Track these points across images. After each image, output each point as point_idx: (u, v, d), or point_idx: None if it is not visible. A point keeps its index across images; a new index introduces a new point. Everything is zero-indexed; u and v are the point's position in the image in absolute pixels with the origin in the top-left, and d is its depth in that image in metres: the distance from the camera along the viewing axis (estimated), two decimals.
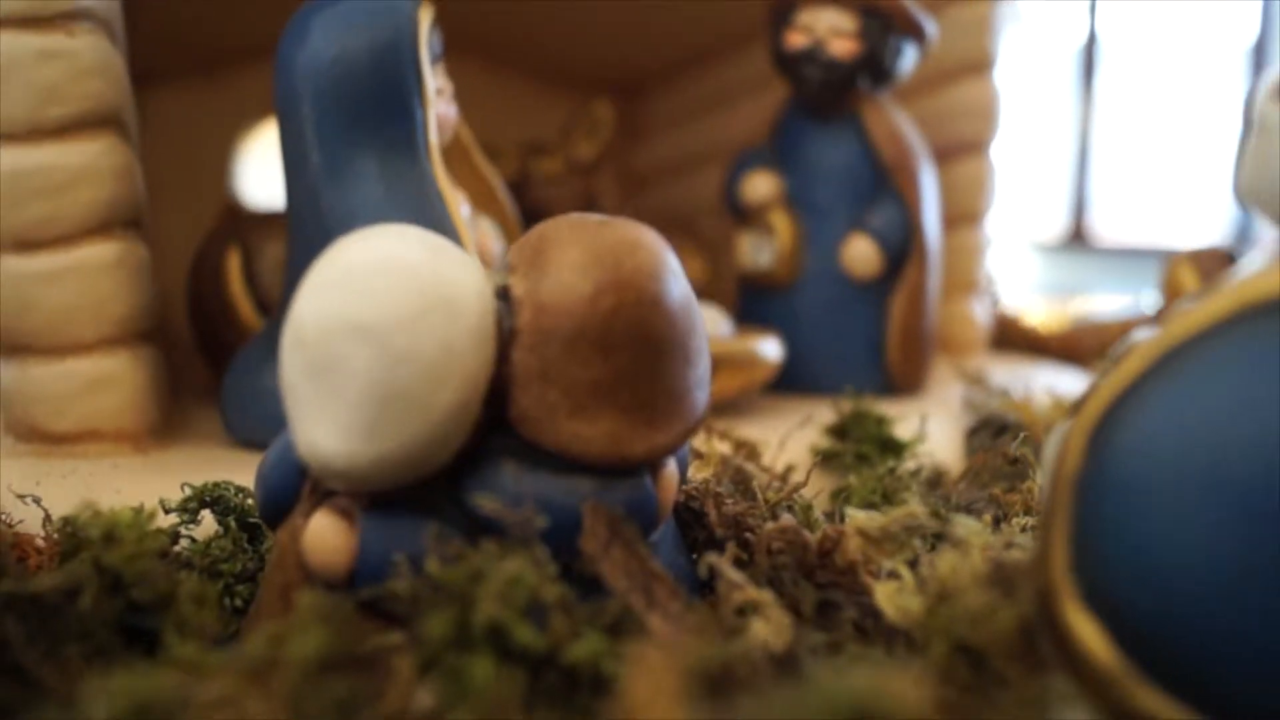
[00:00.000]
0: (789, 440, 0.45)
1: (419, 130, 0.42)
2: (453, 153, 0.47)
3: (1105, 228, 2.91)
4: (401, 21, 0.42)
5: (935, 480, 0.45)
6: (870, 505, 0.40)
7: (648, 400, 0.27)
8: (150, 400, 0.44)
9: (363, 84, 0.41)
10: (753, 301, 0.59)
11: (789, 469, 0.44)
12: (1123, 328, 0.72)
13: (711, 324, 0.51)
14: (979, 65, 0.67)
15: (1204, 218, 2.62)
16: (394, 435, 0.26)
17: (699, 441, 0.42)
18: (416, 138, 0.42)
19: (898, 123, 0.56)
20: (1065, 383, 0.64)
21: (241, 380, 0.46)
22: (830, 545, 0.29)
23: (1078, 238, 2.97)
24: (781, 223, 0.57)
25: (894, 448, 0.46)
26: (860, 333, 0.57)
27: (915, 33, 0.55)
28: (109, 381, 0.43)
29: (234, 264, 0.52)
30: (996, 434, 0.51)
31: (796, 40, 0.55)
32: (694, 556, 0.32)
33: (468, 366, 0.26)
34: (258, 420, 0.44)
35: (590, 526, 0.27)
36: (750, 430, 0.49)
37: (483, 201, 0.48)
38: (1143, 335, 0.26)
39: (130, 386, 0.43)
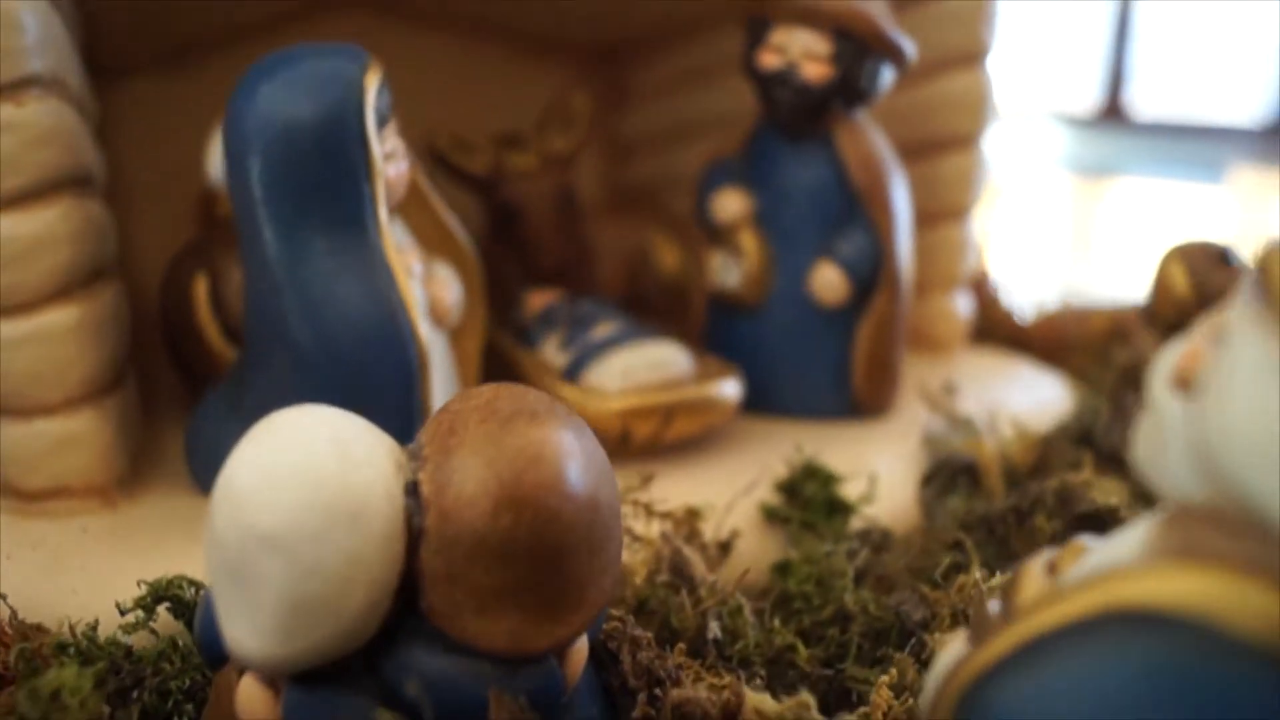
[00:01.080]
0: (735, 503, 0.46)
1: (366, 206, 0.42)
2: (408, 197, 0.47)
3: (1145, 102, 2.83)
4: (346, 94, 0.41)
5: (880, 545, 0.46)
6: (804, 595, 0.41)
7: (550, 599, 0.28)
8: (118, 452, 0.46)
9: (308, 164, 0.41)
10: (720, 319, 0.59)
11: (732, 537, 0.45)
12: (1107, 320, 0.72)
13: (671, 361, 0.51)
14: (970, 56, 0.65)
15: (1247, 92, 2.55)
16: (306, 637, 0.28)
17: (637, 522, 0.43)
18: (364, 213, 0.42)
19: (872, 145, 0.55)
20: (1039, 393, 0.64)
21: (204, 433, 0.47)
22: (730, 716, 0.31)
23: (1114, 112, 2.90)
24: (750, 244, 0.57)
25: (841, 509, 0.47)
26: (826, 357, 0.57)
27: (892, 55, 0.53)
28: (75, 441, 0.44)
29: (200, 290, 0.53)
30: (949, 480, 0.52)
31: (769, 60, 0.54)
32: (610, 699, 0.33)
33: (375, 573, 0.28)
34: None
35: (495, 713, 0.28)
36: (704, 472, 0.50)
37: (438, 243, 0.49)
38: (1032, 587, 0.27)
39: (97, 443, 0.45)
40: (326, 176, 0.41)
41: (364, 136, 0.41)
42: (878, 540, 0.47)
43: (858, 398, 0.57)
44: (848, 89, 0.54)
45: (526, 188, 0.65)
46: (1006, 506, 0.47)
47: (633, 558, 0.42)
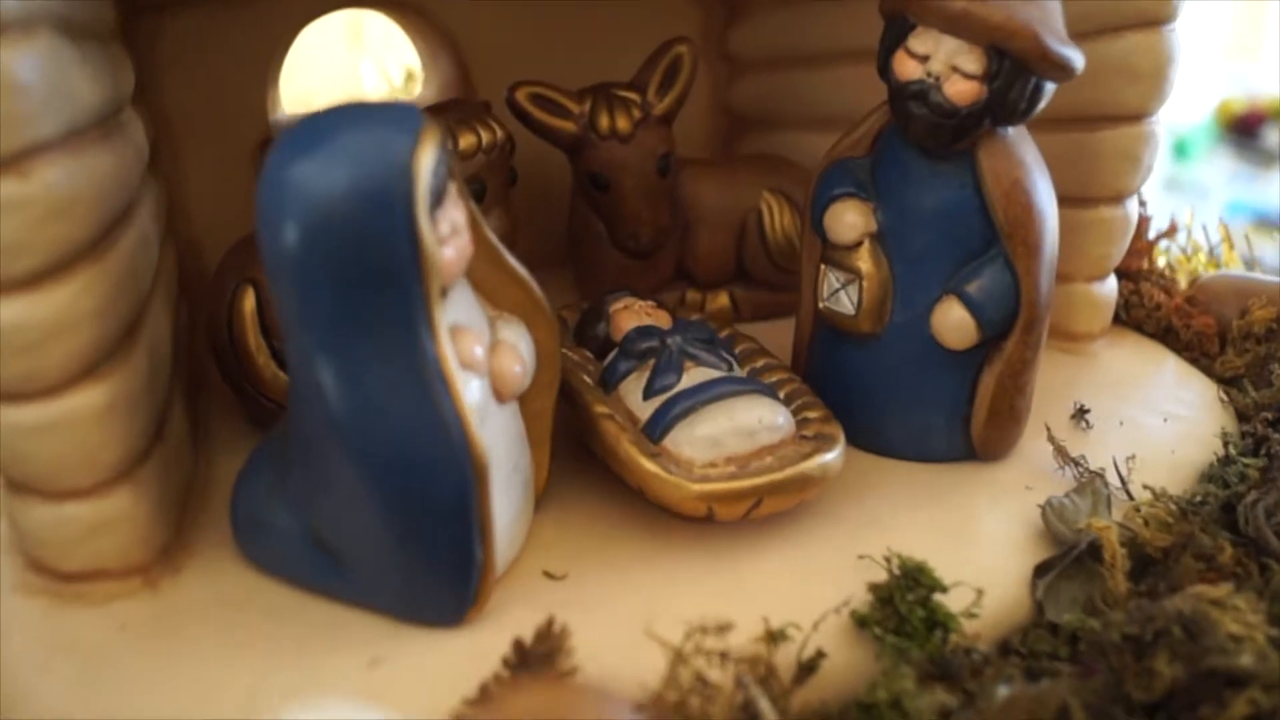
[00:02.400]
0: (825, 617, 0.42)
1: (416, 306, 0.36)
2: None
3: None
4: (392, 178, 0.35)
5: (977, 668, 0.42)
6: None
7: None
8: (157, 525, 0.43)
9: (350, 259, 0.35)
10: (827, 341, 0.53)
11: (816, 659, 0.40)
12: (1274, 306, 0.63)
13: (767, 424, 0.46)
14: (1152, 19, 0.55)
15: None
16: None
17: (711, 669, 0.39)
18: (414, 315, 0.36)
19: (1022, 171, 0.47)
20: (1183, 415, 0.57)
21: (249, 502, 0.43)
22: None
23: None
24: (869, 268, 0.49)
25: (941, 624, 0.42)
26: (944, 399, 0.51)
27: (1059, 73, 0.44)
28: (110, 524, 0.41)
29: (248, 308, 0.48)
30: (1068, 567, 0.46)
31: (908, 69, 0.46)
32: None
33: None
34: (267, 556, 0.43)
35: None
36: (797, 542, 0.45)
37: (508, 294, 0.43)
38: None
39: (133, 523, 0.42)
40: (371, 274, 0.36)
41: (413, 229, 0.35)
42: (977, 663, 0.42)
43: (975, 444, 0.51)
44: (999, 109, 0.45)
45: (619, 154, 0.58)
46: (1123, 635, 0.41)
47: (708, 708, 0.38)
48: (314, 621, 0.41)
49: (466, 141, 0.54)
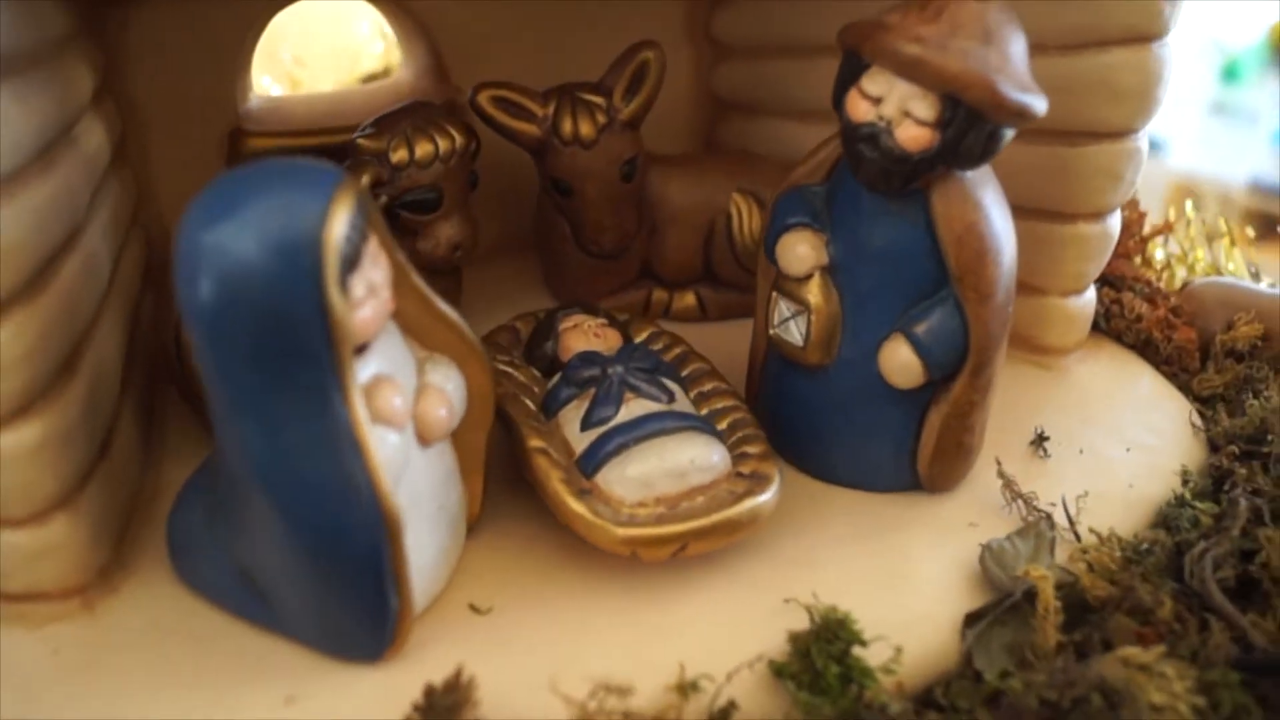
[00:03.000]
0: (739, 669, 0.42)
1: (327, 369, 0.36)
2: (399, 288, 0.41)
3: None
4: (300, 250, 0.35)
5: None
6: None
7: None
8: (96, 549, 0.44)
9: (259, 324, 0.35)
10: (778, 368, 0.52)
11: (727, 710, 0.41)
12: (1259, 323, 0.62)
13: (700, 465, 0.46)
14: (1141, 35, 0.53)
15: None
16: None
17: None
18: (324, 377, 0.36)
19: (976, 214, 0.45)
20: (1151, 440, 0.56)
21: (183, 530, 0.44)
22: None
23: None
24: (818, 300, 0.49)
25: (857, 679, 0.43)
26: (891, 433, 0.50)
27: (1016, 121, 0.43)
28: (47, 551, 0.42)
29: None
30: (1002, 615, 0.46)
31: (860, 110, 0.44)
32: None
33: None
34: (199, 582, 0.44)
35: None
36: (727, 581, 0.46)
37: (436, 333, 0.43)
38: None
39: (70, 550, 0.43)
40: (282, 339, 0.36)
41: (323, 299, 0.35)
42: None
43: (922, 478, 0.51)
44: (953, 155, 0.44)
45: (582, 161, 0.57)
46: (1041, 700, 0.41)
47: None
48: (239, 652, 0.42)
49: (423, 150, 0.53)
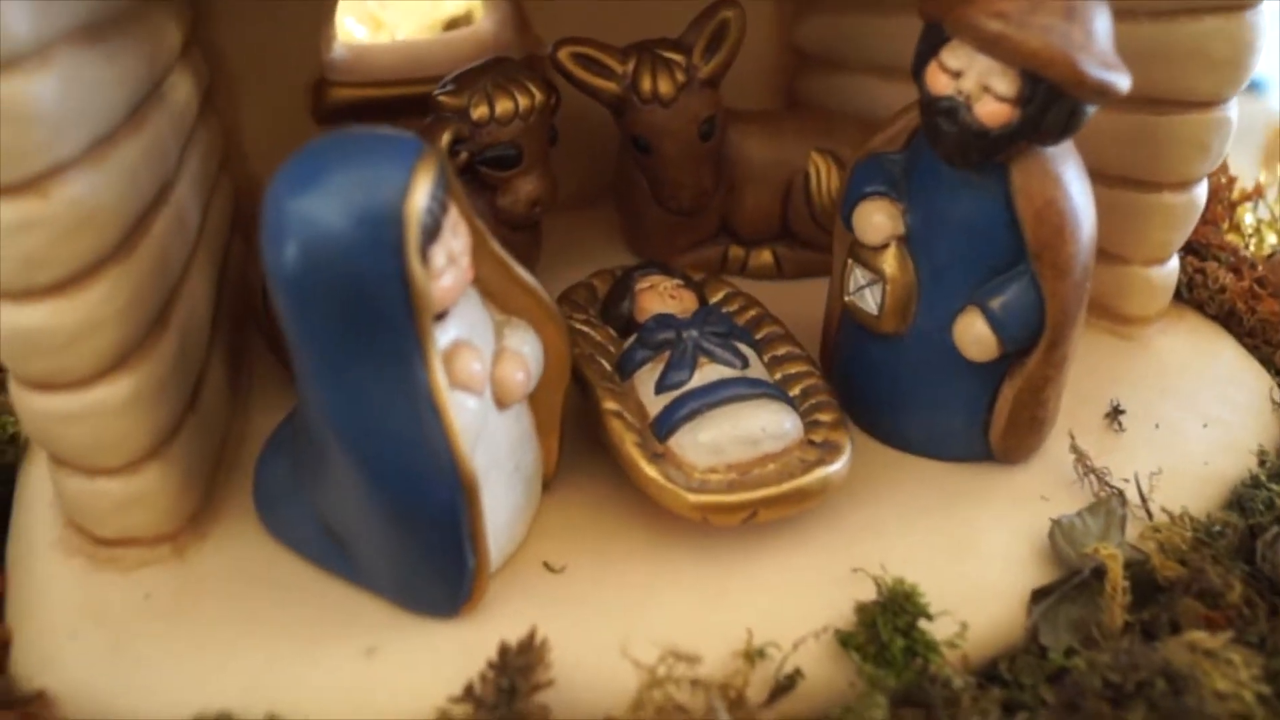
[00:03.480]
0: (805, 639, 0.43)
1: (409, 342, 0.37)
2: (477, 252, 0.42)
3: None
4: (382, 220, 0.36)
5: (954, 699, 0.43)
6: None
7: None
8: (186, 497, 0.46)
9: (342, 294, 0.37)
10: (853, 334, 0.52)
11: (792, 679, 0.42)
12: None
13: (771, 433, 0.46)
14: (1235, 3, 0.51)
15: None
16: None
17: (681, 691, 0.40)
18: (407, 349, 0.37)
19: (1055, 190, 0.45)
20: (1230, 414, 0.55)
21: (269, 482, 0.46)
22: None
23: None
24: (893, 269, 0.49)
25: (921, 652, 0.43)
26: (963, 404, 0.50)
27: (1098, 99, 0.42)
28: (140, 499, 0.44)
29: None
30: (1069, 592, 0.46)
31: (939, 83, 0.44)
32: None
33: None
34: (283, 532, 0.45)
35: None
36: (799, 546, 0.46)
37: (514, 297, 0.44)
38: None
39: (162, 498, 0.44)
40: (364, 306, 0.37)
41: (404, 272, 0.36)
42: (954, 694, 0.43)
43: (994, 449, 0.51)
44: (1033, 131, 0.43)
45: (660, 119, 0.57)
46: (1105, 681, 0.42)
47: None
48: (321, 603, 0.44)
49: (503, 107, 0.53)
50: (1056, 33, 0.41)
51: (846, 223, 0.50)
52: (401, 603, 0.43)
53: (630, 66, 0.57)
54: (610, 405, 0.47)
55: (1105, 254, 0.56)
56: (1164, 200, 0.57)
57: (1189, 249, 0.64)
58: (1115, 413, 0.55)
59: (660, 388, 0.48)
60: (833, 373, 0.54)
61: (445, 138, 0.53)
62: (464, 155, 0.53)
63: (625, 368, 0.50)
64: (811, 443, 0.47)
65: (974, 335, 0.47)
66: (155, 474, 0.44)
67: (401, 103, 0.62)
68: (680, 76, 0.57)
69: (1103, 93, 0.41)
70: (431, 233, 0.37)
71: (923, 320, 0.49)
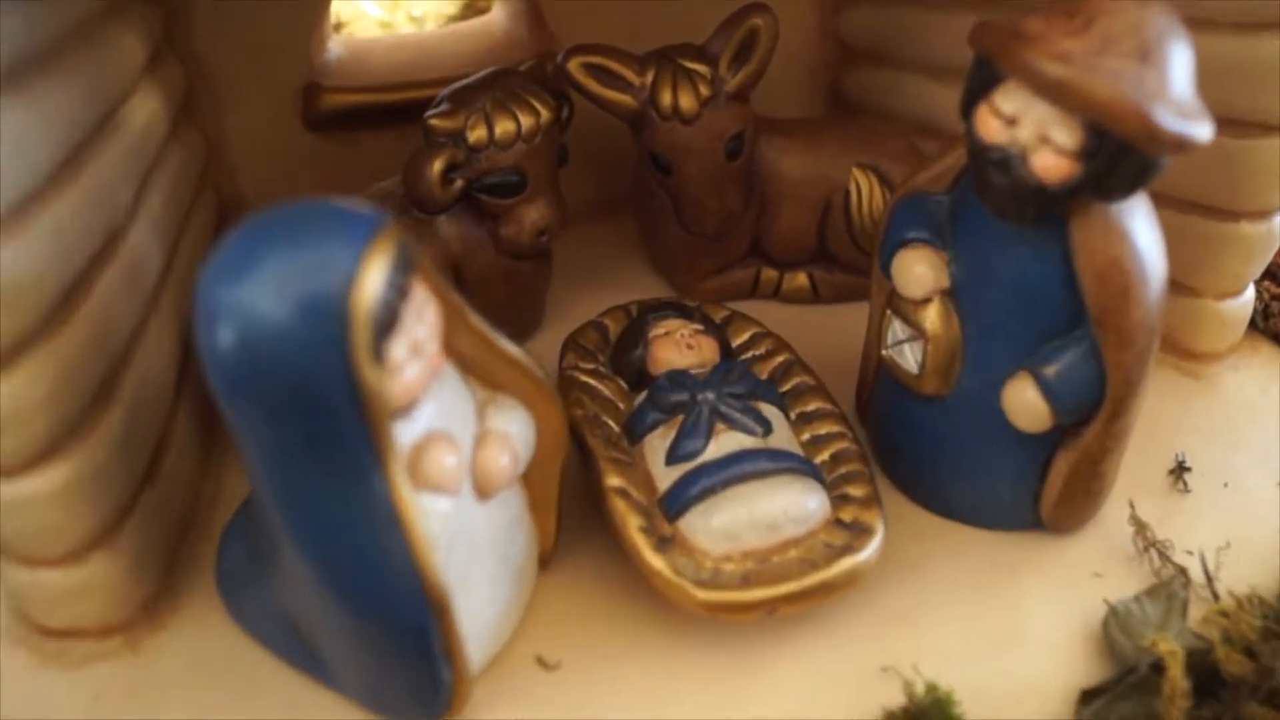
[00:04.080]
0: None
1: (361, 443, 0.33)
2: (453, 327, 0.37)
3: None
4: (324, 318, 0.31)
5: None
6: None
7: None
8: (138, 585, 0.42)
9: (282, 393, 0.32)
10: (891, 390, 0.47)
11: None
12: None
13: (793, 517, 0.41)
14: None
15: None
16: None
17: None
18: (358, 451, 0.33)
19: (1121, 250, 0.39)
20: None
21: (232, 562, 0.42)
22: None
23: None
24: (936, 327, 0.43)
25: None
26: (1011, 472, 0.45)
27: (1174, 152, 0.36)
28: (84, 590, 0.40)
29: None
30: (1123, 690, 0.42)
31: (991, 129, 0.38)
32: None
33: None
34: (247, 621, 0.42)
35: None
36: (824, 639, 0.42)
37: (502, 374, 0.39)
38: None
39: (109, 589, 0.40)
40: (309, 409, 0.32)
41: (352, 374, 0.31)
42: None
43: (1044, 519, 0.46)
44: (1096, 188, 0.37)
45: (682, 137, 0.52)
46: None
47: None
48: (288, 703, 0.40)
49: (504, 129, 0.48)
50: (1128, 78, 0.35)
51: (885, 269, 0.45)
52: (373, 709, 0.39)
53: (649, 78, 0.51)
54: (614, 481, 0.42)
55: (1174, 285, 0.49)
56: (1240, 230, 0.51)
57: (1266, 273, 0.57)
58: (1180, 470, 0.50)
59: (672, 458, 0.43)
60: (868, 423, 0.49)
61: (438, 165, 0.47)
62: (458, 183, 0.48)
63: (634, 430, 0.45)
64: (840, 522, 0.42)
65: (1024, 404, 0.42)
66: (101, 563, 0.40)
67: (402, 107, 0.57)
68: (704, 90, 0.51)
69: (1179, 146, 0.35)
70: (388, 325, 0.32)
71: (968, 381, 0.44)
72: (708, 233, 0.54)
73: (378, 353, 0.32)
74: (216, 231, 0.55)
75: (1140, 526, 0.46)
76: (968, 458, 0.45)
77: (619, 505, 0.42)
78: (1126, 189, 0.37)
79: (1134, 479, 0.48)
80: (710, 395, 0.44)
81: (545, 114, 0.49)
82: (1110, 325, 0.40)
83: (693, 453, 0.43)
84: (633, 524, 0.41)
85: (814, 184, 0.55)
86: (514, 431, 0.39)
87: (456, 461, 0.36)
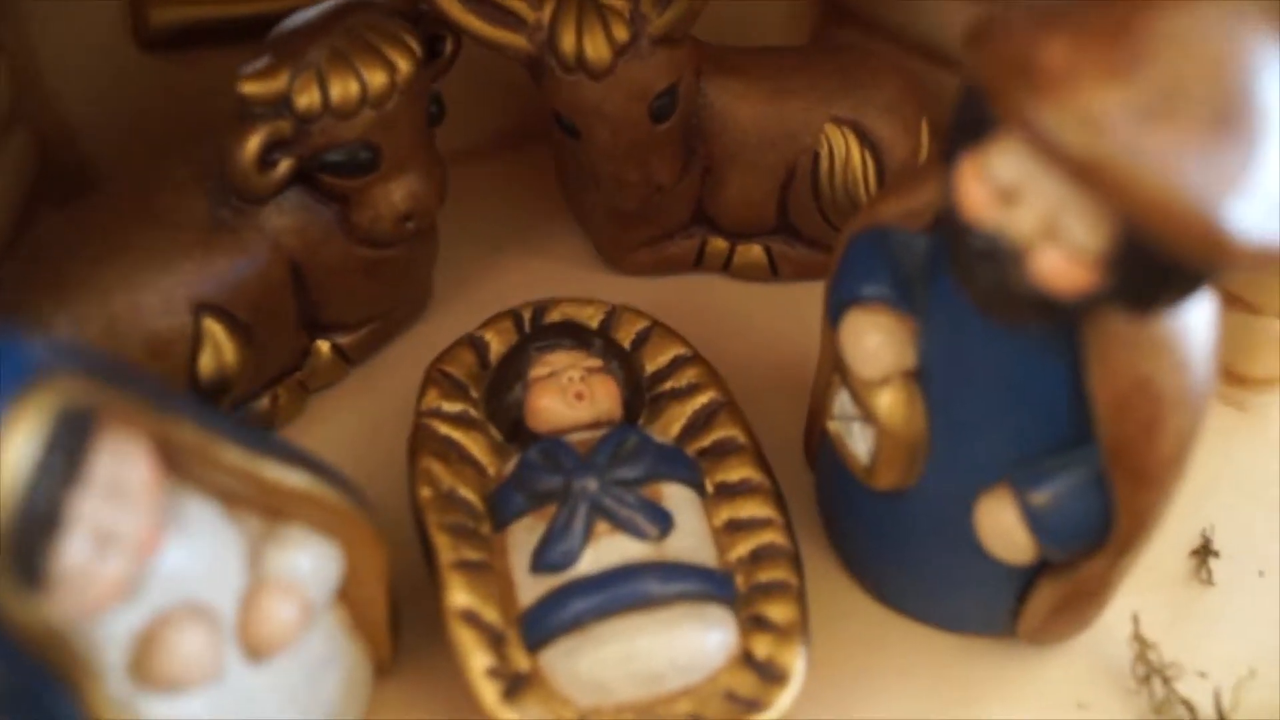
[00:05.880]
0: None
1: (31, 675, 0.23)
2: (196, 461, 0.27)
3: None
4: None
5: None
6: None
7: None
8: None
9: None
10: (839, 462, 0.36)
11: None
12: None
13: (684, 664, 0.32)
14: None
15: None
16: None
17: None
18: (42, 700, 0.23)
19: (1154, 364, 0.28)
20: None
21: None
22: None
23: None
24: (893, 417, 0.32)
25: None
26: (982, 586, 0.35)
27: (1251, 267, 0.24)
28: None
29: None
30: None
31: (976, 201, 0.26)
32: None
33: None
34: None
35: None
36: None
37: (275, 500, 0.29)
38: None
39: None
40: None
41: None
42: None
43: (1021, 634, 0.36)
44: (1123, 299, 0.26)
45: (590, 96, 0.39)
46: None
47: None
48: None
49: (342, 91, 0.36)
50: (1191, 162, 0.23)
51: (831, 322, 0.33)
52: None
53: (546, 12, 0.38)
54: (459, 600, 0.33)
55: (1227, 297, 0.38)
56: None
57: None
58: (1205, 552, 0.39)
59: (538, 563, 0.33)
60: (815, 473, 0.39)
61: (252, 144, 0.35)
62: (283, 165, 0.36)
63: (498, 512, 0.35)
64: (749, 659, 0.33)
65: (1002, 530, 0.32)
66: None
67: (254, 23, 0.44)
68: (620, 33, 0.38)
69: (1260, 263, 0.24)
70: (46, 524, 0.22)
71: (932, 480, 0.33)
72: (629, 209, 0.42)
73: (32, 567, 0.22)
74: (40, 173, 0.45)
75: (1143, 648, 0.36)
76: (928, 562, 0.35)
77: (464, 636, 0.32)
78: (1166, 304, 0.25)
79: (1144, 561, 0.37)
80: (592, 484, 0.34)
81: (404, 65, 0.37)
82: (1128, 462, 0.29)
83: (563, 562, 0.33)
84: (478, 665, 0.32)
85: (772, 145, 0.43)
86: (303, 570, 0.29)
87: (206, 641, 0.27)
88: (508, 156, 0.52)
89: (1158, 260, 0.24)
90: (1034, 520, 0.31)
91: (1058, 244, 0.25)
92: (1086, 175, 0.23)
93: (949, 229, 0.27)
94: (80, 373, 0.23)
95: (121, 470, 0.24)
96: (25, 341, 0.23)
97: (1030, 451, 0.31)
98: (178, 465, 0.26)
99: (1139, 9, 0.23)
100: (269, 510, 0.29)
